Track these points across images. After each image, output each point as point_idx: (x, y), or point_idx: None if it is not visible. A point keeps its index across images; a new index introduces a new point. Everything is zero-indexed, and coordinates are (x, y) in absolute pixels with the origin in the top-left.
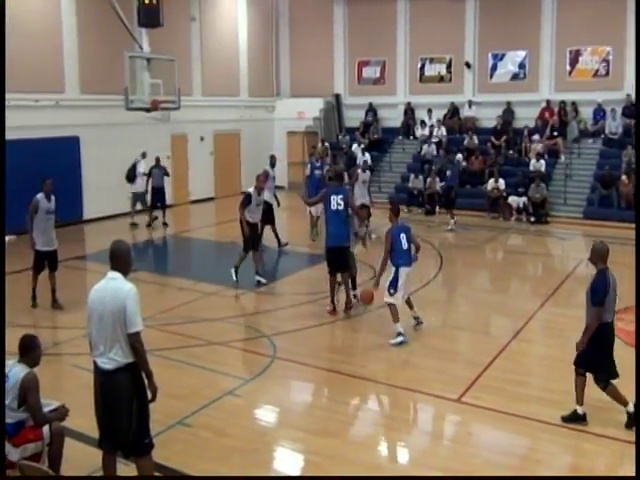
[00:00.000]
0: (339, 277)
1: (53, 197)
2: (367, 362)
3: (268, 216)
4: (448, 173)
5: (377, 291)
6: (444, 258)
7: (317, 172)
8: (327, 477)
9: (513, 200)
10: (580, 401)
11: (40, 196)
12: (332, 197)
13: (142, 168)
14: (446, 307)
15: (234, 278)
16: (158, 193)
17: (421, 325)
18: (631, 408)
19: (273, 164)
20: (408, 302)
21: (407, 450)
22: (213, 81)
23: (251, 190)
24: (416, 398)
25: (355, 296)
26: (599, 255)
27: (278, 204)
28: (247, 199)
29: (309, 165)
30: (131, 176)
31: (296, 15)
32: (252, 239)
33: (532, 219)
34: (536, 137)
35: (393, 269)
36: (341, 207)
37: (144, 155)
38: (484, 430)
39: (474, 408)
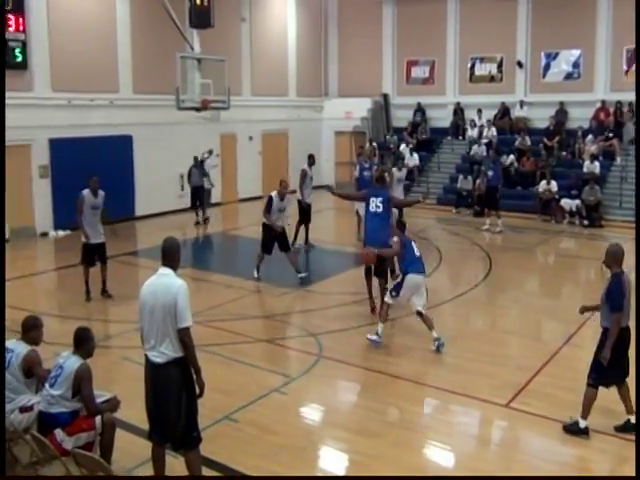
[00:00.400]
0: None
1: (102, 193)
2: (414, 364)
3: (306, 215)
4: (490, 173)
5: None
6: (493, 260)
7: (366, 173)
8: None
9: (566, 203)
10: (630, 410)
11: (86, 192)
12: (372, 199)
13: (208, 166)
14: (495, 310)
15: (255, 275)
16: (197, 192)
17: (443, 347)
18: (582, 424)
19: (311, 164)
20: (425, 319)
21: (453, 454)
22: (262, 81)
23: (273, 194)
24: (463, 402)
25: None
26: (614, 258)
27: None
28: (269, 203)
29: (358, 166)
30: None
31: (345, 15)
32: (278, 242)
33: (585, 222)
34: (590, 138)
35: (400, 275)
36: (380, 209)
37: (211, 152)
38: (533, 437)
39: (523, 414)
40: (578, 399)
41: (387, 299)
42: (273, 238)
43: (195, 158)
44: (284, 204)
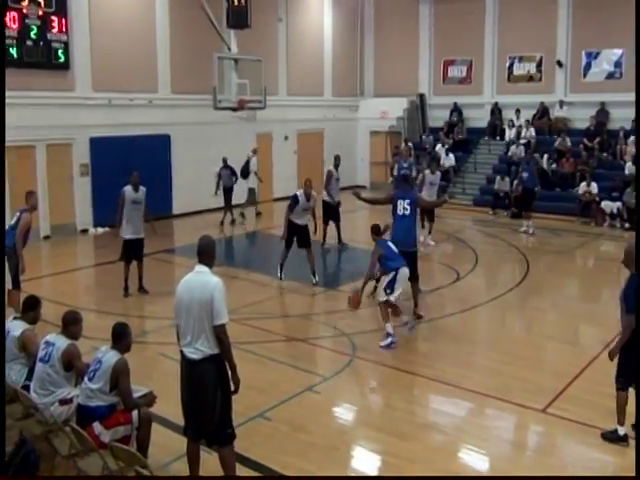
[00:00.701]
0: None
1: (143, 188)
2: (449, 366)
3: (334, 215)
4: (525, 175)
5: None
6: (530, 263)
7: (404, 172)
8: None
9: (606, 205)
10: None
11: (127, 187)
12: (399, 201)
13: (253, 164)
14: (532, 314)
15: (278, 275)
16: (228, 193)
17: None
18: (621, 431)
19: (337, 165)
20: (395, 310)
21: (488, 458)
22: (298, 81)
23: (299, 193)
24: (499, 406)
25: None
26: (633, 258)
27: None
28: (294, 201)
29: (396, 165)
30: (245, 172)
31: (381, 14)
32: (299, 239)
33: (627, 225)
34: (632, 139)
35: (392, 273)
36: (407, 212)
37: (255, 151)
38: (570, 443)
39: (560, 420)
40: None
41: (381, 298)
42: (293, 234)
43: (224, 160)
44: (310, 204)
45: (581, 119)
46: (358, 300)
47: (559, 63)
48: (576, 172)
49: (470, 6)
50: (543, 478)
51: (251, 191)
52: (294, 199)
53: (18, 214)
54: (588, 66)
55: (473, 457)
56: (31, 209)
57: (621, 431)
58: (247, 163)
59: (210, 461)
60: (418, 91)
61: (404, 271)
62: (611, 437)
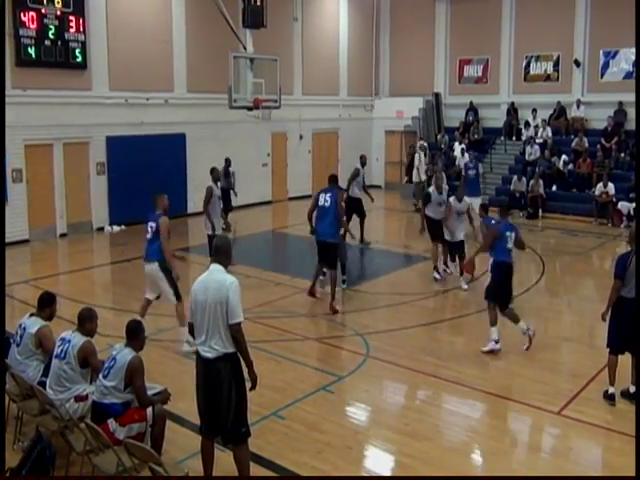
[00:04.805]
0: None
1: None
2: (464, 367)
3: (359, 211)
4: None
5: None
6: (547, 264)
7: (471, 172)
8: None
9: (623, 206)
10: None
11: (212, 184)
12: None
13: (417, 161)
14: (548, 315)
15: (438, 275)
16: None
17: None
18: (610, 390)
19: (363, 163)
20: None
21: (503, 460)
22: (313, 80)
23: (431, 190)
24: (514, 407)
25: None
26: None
27: (372, 199)
28: (427, 197)
29: (463, 165)
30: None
31: (397, 14)
32: (436, 233)
33: None
34: None
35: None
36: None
37: (422, 148)
38: (586, 446)
39: (576, 422)
40: (635, 408)
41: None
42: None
43: (226, 159)
44: (443, 197)
45: (599, 119)
46: (472, 265)
47: (576, 62)
48: (593, 173)
49: (487, 5)
50: (538, 478)
51: (416, 185)
52: (427, 196)
53: (153, 224)
54: (606, 65)
55: (489, 459)
56: (164, 212)
57: (610, 390)
58: (412, 159)
59: (224, 459)
60: (434, 90)
61: None
62: (604, 396)
